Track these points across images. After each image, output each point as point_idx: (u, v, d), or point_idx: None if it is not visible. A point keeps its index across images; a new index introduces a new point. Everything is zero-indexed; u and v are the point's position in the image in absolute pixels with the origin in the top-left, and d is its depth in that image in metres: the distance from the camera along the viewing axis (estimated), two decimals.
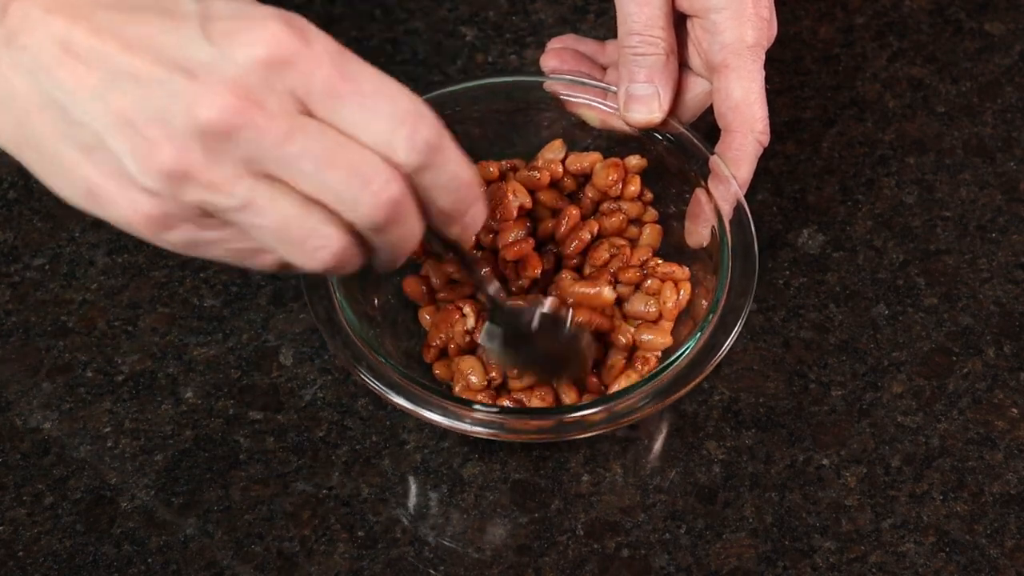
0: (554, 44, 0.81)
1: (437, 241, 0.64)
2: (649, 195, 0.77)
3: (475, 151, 0.77)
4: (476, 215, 0.60)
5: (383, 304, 0.75)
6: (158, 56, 0.52)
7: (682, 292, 0.74)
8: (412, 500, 0.72)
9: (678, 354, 0.69)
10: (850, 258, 0.80)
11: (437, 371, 0.73)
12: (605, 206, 0.76)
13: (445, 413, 0.67)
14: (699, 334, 0.69)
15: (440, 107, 0.77)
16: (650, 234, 0.76)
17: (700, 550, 0.70)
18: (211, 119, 0.52)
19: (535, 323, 0.70)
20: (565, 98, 0.77)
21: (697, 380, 0.68)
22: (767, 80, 0.75)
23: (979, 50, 0.90)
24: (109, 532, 0.70)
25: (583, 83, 0.77)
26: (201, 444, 0.73)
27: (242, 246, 0.57)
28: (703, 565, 0.70)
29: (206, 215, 0.55)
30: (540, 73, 0.79)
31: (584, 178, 0.77)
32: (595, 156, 0.77)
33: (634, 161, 0.76)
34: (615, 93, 0.76)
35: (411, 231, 0.58)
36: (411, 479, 0.72)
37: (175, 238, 0.56)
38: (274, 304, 0.78)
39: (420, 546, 0.70)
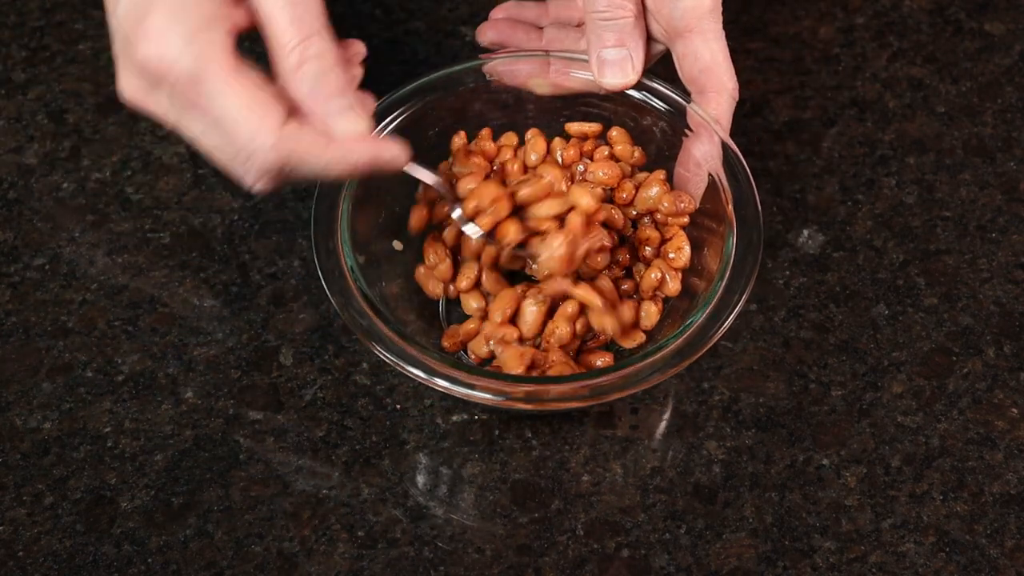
0: (496, 14, 0.81)
1: None
2: (639, 155, 0.77)
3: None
4: (388, 167, 0.66)
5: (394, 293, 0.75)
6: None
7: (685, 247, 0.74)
8: (412, 500, 0.72)
9: (690, 321, 0.69)
10: (850, 258, 0.80)
11: (445, 342, 0.74)
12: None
13: (455, 382, 0.67)
14: (715, 291, 0.69)
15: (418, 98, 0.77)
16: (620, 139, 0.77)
17: (700, 550, 0.70)
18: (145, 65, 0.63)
19: None
20: (505, 73, 0.77)
21: (713, 340, 0.68)
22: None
23: (979, 50, 0.90)
24: (109, 532, 0.70)
25: (520, 57, 0.77)
26: (201, 444, 0.73)
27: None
28: (703, 565, 0.70)
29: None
30: (476, 58, 0.78)
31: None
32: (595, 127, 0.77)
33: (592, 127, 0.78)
34: (561, 59, 0.76)
35: (315, 174, 0.64)
36: (411, 479, 0.72)
37: (154, 107, 0.64)
38: (274, 304, 0.78)
39: (420, 546, 0.70)
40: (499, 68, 0.77)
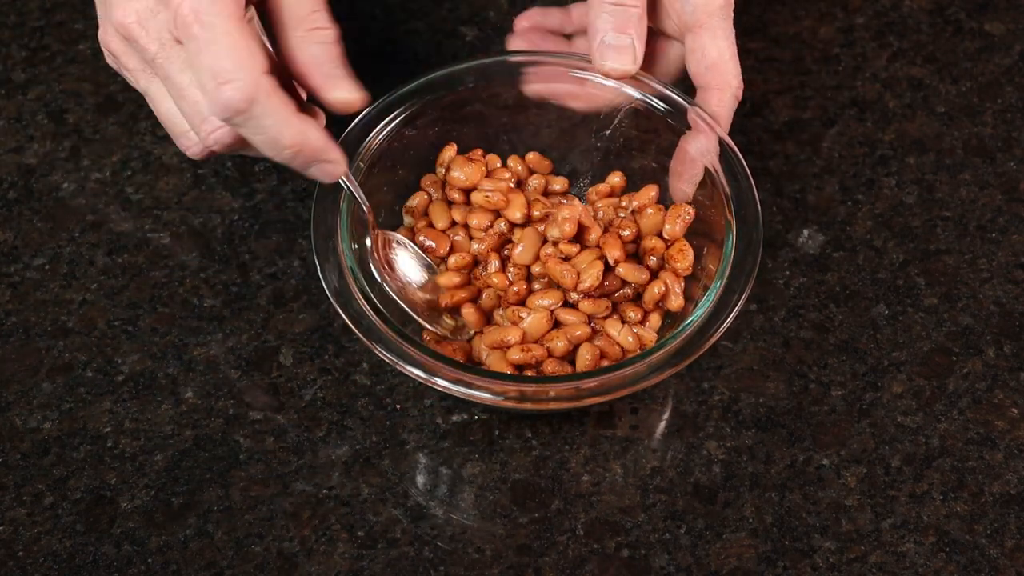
0: (521, 23, 0.81)
1: None
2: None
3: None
4: (323, 171, 0.67)
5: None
6: None
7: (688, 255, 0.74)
8: (412, 500, 0.72)
9: (689, 321, 0.69)
10: (850, 258, 0.80)
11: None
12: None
13: (455, 382, 0.67)
14: (714, 291, 0.69)
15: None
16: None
17: (700, 550, 0.70)
18: (119, 23, 0.67)
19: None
20: (548, 94, 0.78)
21: (713, 340, 0.68)
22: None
23: (979, 50, 0.90)
24: (109, 532, 0.70)
25: (550, 62, 0.77)
26: (201, 444, 0.73)
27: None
28: (703, 565, 0.70)
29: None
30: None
31: None
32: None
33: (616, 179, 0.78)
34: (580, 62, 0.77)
35: (266, 140, 0.66)
36: (411, 479, 0.72)
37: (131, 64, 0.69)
38: (274, 304, 0.78)
39: (420, 546, 0.70)
40: (536, 88, 0.78)
